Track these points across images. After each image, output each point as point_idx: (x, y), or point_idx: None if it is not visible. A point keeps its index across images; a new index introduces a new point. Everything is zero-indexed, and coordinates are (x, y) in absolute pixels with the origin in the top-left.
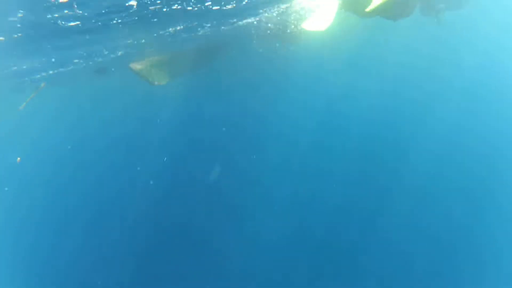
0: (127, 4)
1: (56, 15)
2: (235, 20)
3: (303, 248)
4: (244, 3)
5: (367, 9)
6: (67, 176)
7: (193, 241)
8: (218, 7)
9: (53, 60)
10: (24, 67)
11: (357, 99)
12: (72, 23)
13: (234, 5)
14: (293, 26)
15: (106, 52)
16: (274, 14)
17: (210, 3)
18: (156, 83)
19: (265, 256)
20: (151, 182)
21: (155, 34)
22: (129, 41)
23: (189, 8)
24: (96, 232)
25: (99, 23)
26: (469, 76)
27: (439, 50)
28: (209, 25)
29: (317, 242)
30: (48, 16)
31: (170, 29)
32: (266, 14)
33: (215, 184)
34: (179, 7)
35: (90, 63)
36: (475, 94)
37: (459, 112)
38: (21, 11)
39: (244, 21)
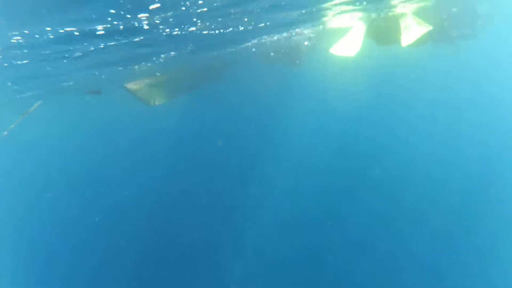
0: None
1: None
2: (236, 45)
3: (310, 260)
4: (250, 27)
5: (404, 44)
6: (60, 191)
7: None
8: (219, 32)
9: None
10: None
11: (360, 117)
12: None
13: (242, 28)
14: (294, 48)
15: (101, 76)
16: (276, 38)
17: (212, 31)
18: (152, 103)
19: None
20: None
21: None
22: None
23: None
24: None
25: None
26: (486, 101)
27: (452, 79)
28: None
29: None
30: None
31: (168, 53)
32: (268, 39)
33: (214, 203)
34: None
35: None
36: (490, 124)
37: (479, 142)
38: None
39: (245, 44)
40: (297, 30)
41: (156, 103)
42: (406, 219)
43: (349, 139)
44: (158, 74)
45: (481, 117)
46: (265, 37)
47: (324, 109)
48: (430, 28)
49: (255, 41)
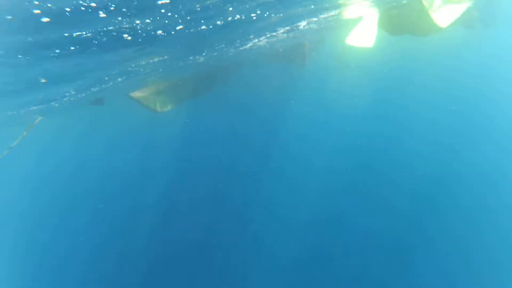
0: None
1: None
2: (237, 43)
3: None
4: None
5: (443, 25)
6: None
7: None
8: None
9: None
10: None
11: (369, 118)
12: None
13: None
14: (299, 45)
15: (106, 79)
16: (284, 35)
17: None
18: (159, 110)
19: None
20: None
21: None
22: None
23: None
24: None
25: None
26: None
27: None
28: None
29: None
30: None
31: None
32: (267, 39)
33: (225, 207)
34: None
35: (83, 95)
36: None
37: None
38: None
39: (247, 45)
40: (303, 23)
41: (164, 109)
42: (418, 218)
43: (361, 139)
44: (162, 80)
45: (499, 114)
46: (268, 33)
47: (335, 108)
48: (471, 2)
49: (256, 40)
